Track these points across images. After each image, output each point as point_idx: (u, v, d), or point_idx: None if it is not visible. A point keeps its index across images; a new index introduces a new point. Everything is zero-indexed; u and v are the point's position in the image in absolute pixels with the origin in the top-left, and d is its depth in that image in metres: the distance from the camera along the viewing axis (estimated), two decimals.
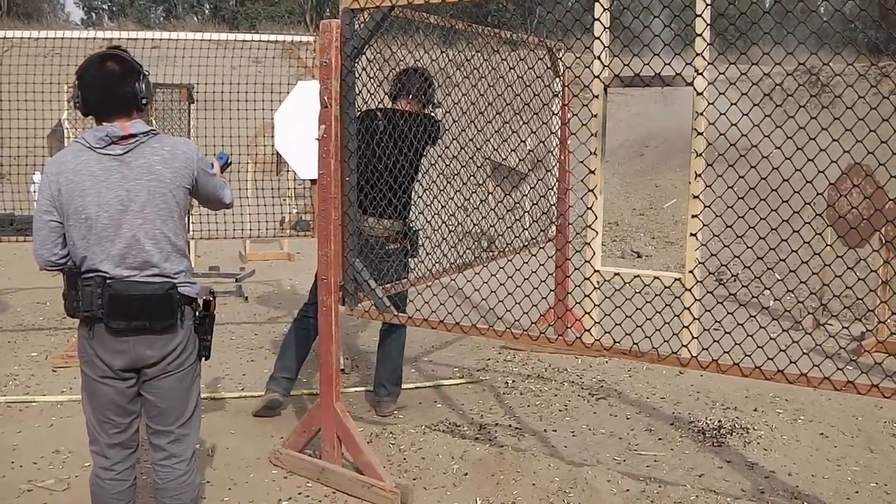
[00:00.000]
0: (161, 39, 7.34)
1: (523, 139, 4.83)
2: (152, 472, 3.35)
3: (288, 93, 5.91)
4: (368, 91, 4.30)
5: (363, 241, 4.64)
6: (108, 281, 3.06)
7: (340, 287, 4.20)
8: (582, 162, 3.75)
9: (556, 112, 6.19)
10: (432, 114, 5.17)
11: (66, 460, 4.57)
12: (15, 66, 7.80)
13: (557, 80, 6.21)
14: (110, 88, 3.11)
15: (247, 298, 8.67)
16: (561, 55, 6.17)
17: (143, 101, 3.15)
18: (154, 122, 8.43)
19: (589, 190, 3.67)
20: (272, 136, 6.34)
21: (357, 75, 4.16)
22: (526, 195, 6.16)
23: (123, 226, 3.07)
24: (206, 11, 43.22)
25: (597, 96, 3.60)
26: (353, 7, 4.09)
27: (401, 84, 5.12)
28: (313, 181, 5.92)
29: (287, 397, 5.34)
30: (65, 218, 3.08)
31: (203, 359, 3.36)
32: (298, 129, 5.49)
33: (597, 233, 3.69)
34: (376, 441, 4.77)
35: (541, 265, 4.14)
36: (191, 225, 8.87)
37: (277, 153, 6.83)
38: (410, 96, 5.10)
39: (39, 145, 7.44)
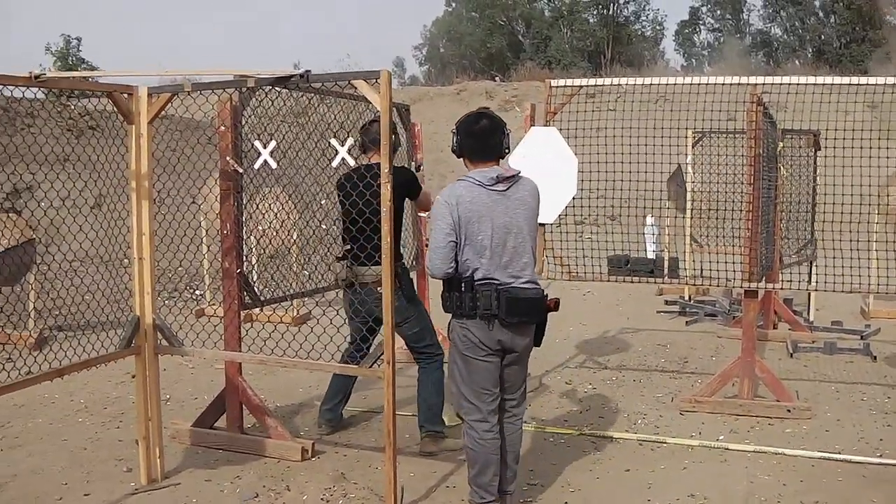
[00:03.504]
0: (769, 84, 7.08)
1: None
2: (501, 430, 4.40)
3: None
4: None
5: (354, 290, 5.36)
6: (500, 287, 4.12)
7: None
8: None
9: None
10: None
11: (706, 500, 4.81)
12: (627, 111, 8.35)
13: None
14: (483, 138, 4.22)
15: (875, 358, 8.28)
16: None
17: (506, 151, 4.28)
18: (782, 168, 8.55)
19: None
20: None
21: None
22: None
23: (508, 244, 4.16)
24: (808, 55, 42.58)
25: None
26: None
27: (367, 136, 5.43)
28: None
29: None
30: (461, 238, 4.11)
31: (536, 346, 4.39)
32: None
33: None
34: None
35: None
36: (814, 277, 8.80)
37: None
38: (376, 147, 5.08)
39: (649, 188, 7.79)
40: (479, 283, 4.14)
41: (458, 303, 4.20)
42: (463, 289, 4.17)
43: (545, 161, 5.96)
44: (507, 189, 4.20)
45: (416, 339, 5.61)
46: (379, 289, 4.95)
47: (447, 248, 4.13)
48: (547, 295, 4.30)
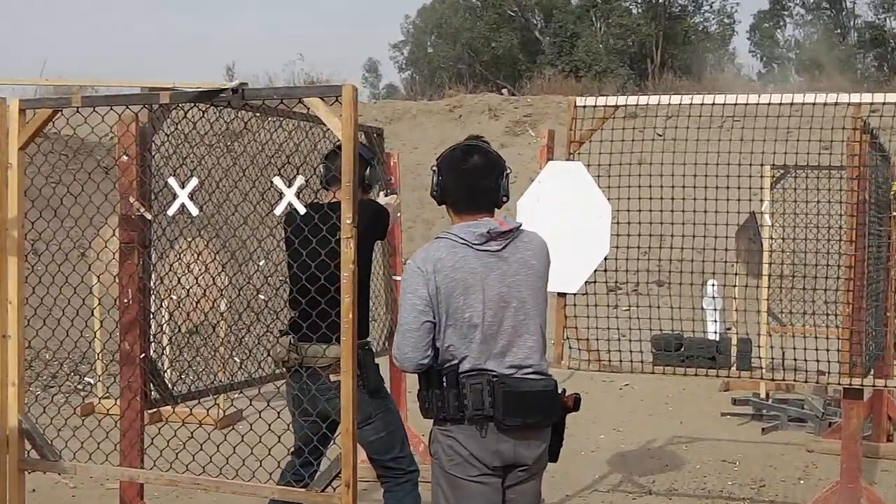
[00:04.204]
0: (878, 103, 6.52)
1: None
2: None
3: None
4: None
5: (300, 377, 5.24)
6: (494, 378, 4.04)
7: None
8: None
9: None
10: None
11: None
12: (681, 139, 8.27)
13: None
14: (473, 181, 4.21)
15: None
16: None
17: (504, 199, 4.24)
18: None
19: None
20: None
21: None
22: None
23: (505, 322, 4.11)
24: None
25: None
26: None
27: (327, 170, 5.53)
28: None
29: None
30: (441, 316, 4.07)
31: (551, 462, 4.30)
32: None
33: None
34: None
35: None
36: None
37: None
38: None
39: (710, 245, 7.47)
40: (465, 375, 4.08)
41: (438, 403, 4.12)
42: (445, 383, 4.11)
43: (567, 207, 6.00)
44: (503, 248, 4.16)
45: (382, 448, 5.56)
46: (334, 378, 4.89)
47: (421, 330, 4.09)
48: (564, 390, 4.23)
